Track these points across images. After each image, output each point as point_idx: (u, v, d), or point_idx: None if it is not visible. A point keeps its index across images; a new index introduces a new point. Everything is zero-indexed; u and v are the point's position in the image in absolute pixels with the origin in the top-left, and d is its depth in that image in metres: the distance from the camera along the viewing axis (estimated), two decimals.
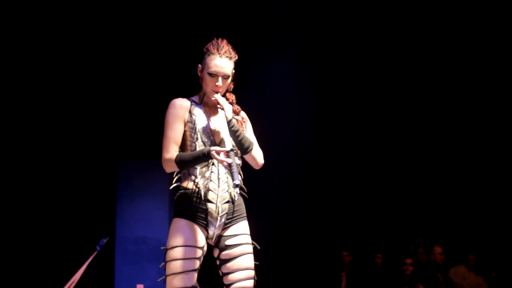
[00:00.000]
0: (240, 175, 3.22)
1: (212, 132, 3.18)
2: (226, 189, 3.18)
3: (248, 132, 3.30)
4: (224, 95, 3.23)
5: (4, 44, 6.35)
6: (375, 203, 8.91)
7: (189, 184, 3.16)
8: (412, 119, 8.72)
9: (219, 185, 3.17)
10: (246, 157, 3.22)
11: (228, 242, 3.17)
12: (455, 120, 8.63)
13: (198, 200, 3.13)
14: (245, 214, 3.27)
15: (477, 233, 8.68)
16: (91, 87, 6.97)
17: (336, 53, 8.07)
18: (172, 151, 3.11)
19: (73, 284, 5.71)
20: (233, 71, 3.23)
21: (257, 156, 3.26)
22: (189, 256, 3.06)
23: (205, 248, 3.15)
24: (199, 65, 3.24)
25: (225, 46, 3.19)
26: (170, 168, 3.13)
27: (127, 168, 6.19)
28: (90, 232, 6.48)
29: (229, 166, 2.97)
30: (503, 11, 7.36)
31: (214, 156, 2.99)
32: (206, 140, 3.16)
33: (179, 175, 3.25)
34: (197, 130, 3.17)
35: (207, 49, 3.20)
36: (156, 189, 5.98)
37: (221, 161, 2.99)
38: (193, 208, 3.12)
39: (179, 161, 3.08)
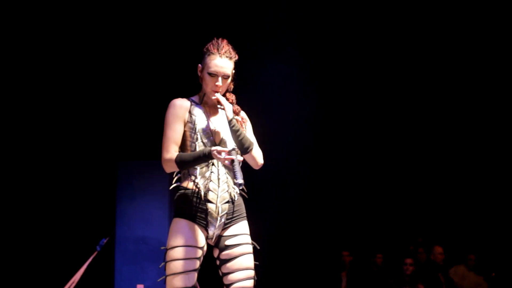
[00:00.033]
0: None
1: (212, 132, 3.18)
2: (226, 189, 3.18)
3: (248, 132, 3.30)
4: (224, 95, 3.22)
5: (4, 44, 6.35)
6: (375, 203, 8.91)
7: (189, 184, 3.16)
8: (412, 119, 8.72)
9: (219, 185, 3.17)
10: (246, 157, 3.22)
11: (228, 242, 3.17)
12: (455, 120, 8.64)
13: (198, 200, 3.13)
14: (245, 214, 3.27)
15: (477, 233, 8.68)
16: (91, 87, 6.97)
17: (336, 53, 8.07)
18: (172, 151, 3.11)
19: (73, 284, 5.71)
20: (233, 71, 3.23)
21: (257, 156, 3.26)
22: (189, 256, 3.06)
23: (205, 248, 3.15)
24: (199, 65, 3.24)
25: (225, 46, 3.19)
26: (170, 168, 3.13)
27: (127, 168, 6.19)
28: (90, 232, 6.47)
29: (231, 165, 2.96)
30: (503, 11, 7.36)
31: (215, 155, 2.98)
32: (206, 140, 3.16)
33: (179, 175, 3.24)
34: (197, 130, 3.17)
35: (207, 49, 3.20)
36: (156, 189, 5.98)
37: (223, 160, 2.98)
38: (193, 208, 3.12)
39: (179, 161, 3.08)
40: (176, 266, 3.05)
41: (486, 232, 8.65)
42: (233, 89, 3.31)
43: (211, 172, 3.16)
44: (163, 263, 3.11)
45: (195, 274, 3.10)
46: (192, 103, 3.24)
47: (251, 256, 3.20)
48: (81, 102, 6.95)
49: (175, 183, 3.24)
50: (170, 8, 6.96)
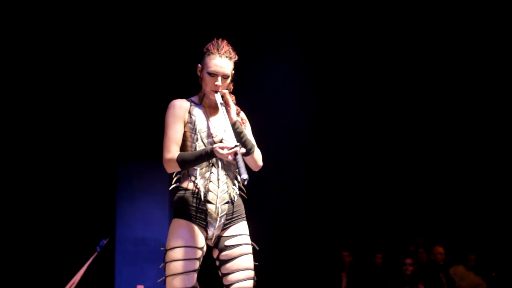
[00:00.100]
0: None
1: (212, 132, 3.18)
2: (226, 190, 3.18)
3: (248, 133, 3.29)
4: (223, 96, 3.22)
5: (4, 44, 6.35)
6: (375, 203, 8.91)
7: (189, 185, 3.16)
8: (411, 119, 8.72)
9: (218, 186, 3.16)
10: (247, 159, 3.20)
11: (227, 243, 3.17)
12: (455, 120, 8.63)
13: (197, 201, 3.13)
14: (244, 215, 3.27)
15: (477, 234, 8.68)
16: (91, 88, 6.98)
17: (336, 53, 8.07)
18: (173, 151, 3.10)
19: (74, 285, 5.71)
20: (233, 71, 3.23)
21: (258, 158, 3.26)
22: (189, 256, 3.06)
23: (205, 248, 3.15)
24: (199, 65, 3.23)
25: (225, 46, 3.19)
26: (172, 168, 3.12)
27: (127, 169, 6.20)
28: (90, 233, 6.48)
29: (235, 160, 2.94)
30: (503, 11, 7.36)
31: (217, 152, 2.97)
32: (206, 140, 3.16)
33: (178, 175, 3.24)
34: (197, 131, 3.16)
35: (207, 49, 3.20)
36: (156, 190, 5.98)
37: (226, 157, 2.96)
38: (193, 208, 3.12)
39: (180, 161, 3.07)
40: (176, 266, 3.05)
41: (487, 232, 8.64)
42: (233, 89, 3.31)
43: (211, 173, 3.16)
44: (162, 264, 3.11)
45: (195, 275, 3.10)
46: (192, 103, 3.23)
47: (251, 257, 3.19)
48: (81, 103, 6.95)
49: (174, 183, 3.23)
50: (170, 8, 6.96)
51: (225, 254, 3.16)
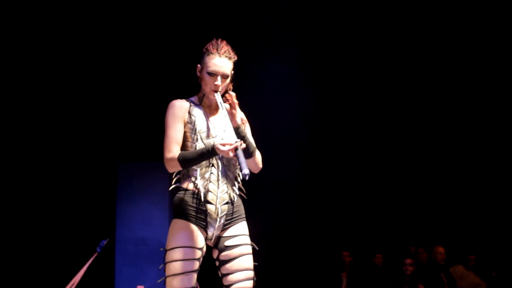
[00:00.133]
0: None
1: (212, 133, 3.18)
2: (226, 190, 3.18)
3: (248, 134, 3.29)
4: (223, 96, 3.22)
5: (4, 44, 6.35)
6: (375, 203, 8.90)
7: (189, 185, 3.16)
8: (411, 118, 8.72)
9: (218, 186, 3.16)
10: (248, 161, 3.17)
11: (227, 243, 3.17)
12: (455, 120, 8.63)
13: (197, 201, 3.13)
14: (244, 215, 3.27)
15: (477, 234, 8.67)
16: (91, 88, 6.97)
17: (336, 53, 8.07)
18: (174, 151, 3.10)
19: (74, 285, 5.71)
20: (232, 71, 3.23)
21: (258, 160, 3.26)
22: (189, 257, 3.06)
23: (205, 249, 3.15)
24: (198, 65, 3.24)
25: (224, 46, 3.19)
26: (173, 167, 3.12)
27: (127, 169, 6.20)
28: (90, 233, 6.48)
29: (235, 156, 2.94)
30: (503, 11, 7.36)
31: (219, 149, 2.97)
32: (206, 141, 3.16)
33: (178, 176, 3.24)
34: (197, 131, 3.16)
35: (207, 49, 3.20)
36: (156, 190, 5.98)
37: (227, 153, 2.95)
38: (193, 209, 3.12)
39: (182, 160, 3.07)
40: (176, 267, 3.05)
41: (487, 233, 8.64)
42: (233, 89, 3.30)
43: (211, 173, 3.16)
44: (162, 264, 3.11)
45: (195, 275, 3.10)
46: (191, 103, 3.23)
47: (251, 257, 3.19)
48: (81, 103, 6.95)
49: (174, 184, 3.23)
50: (170, 9, 6.96)
51: (225, 254, 3.16)
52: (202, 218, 3.13)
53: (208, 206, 3.14)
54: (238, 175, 3.25)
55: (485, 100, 8.38)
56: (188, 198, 3.13)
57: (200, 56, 3.23)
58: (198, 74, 3.24)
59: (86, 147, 6.97)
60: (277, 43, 7.56)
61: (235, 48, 3.25)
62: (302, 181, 8.38)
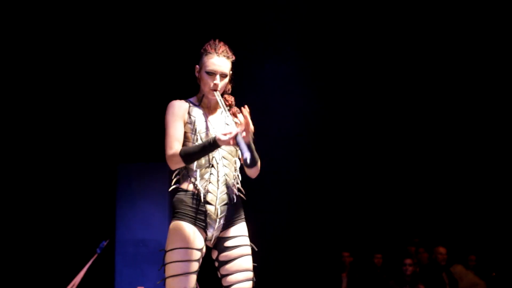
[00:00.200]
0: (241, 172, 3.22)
1: (211, 133, 3.17)
2: (225, 191, 3.17)
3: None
4: (222, 96, 3.22)
5: (4, 44, 6.35)
6: (375, 203, 8.90)
7: (189, 186, 3.15)
8: (411, 118, 8.71)
9: (218, 187, 3.15)
10: (249, 170, 3.22)
11: (227, 244, 3.16)
12: (455, 120, 8.62)
13: (197, 202, 3.12)
14: (243, 216, 3.26)
15: (478, 234, 8.66)
16: (91, 90, 6.97)
17: (335, 53, 8.06)
18: (175, 147, 3.09)
19: (74, 287, 5.70)
20: (231, 72, 3.22)
21: (258, 168, 3.26)
22: (188, 258, 3.05)
23: (204, 250, 3.14)
24: (197, 66, 3.23)
25: (222, 46, 3.20)
26: (175, 163, 3.10)
27: (126, 171, 6.20)
28: (90, 234, 6.47)
29: (236, 144, 2.94)
30: (503, 11, 7.35)
31: (220, 140, 2.95)
32: (206, 140, 3.15)
33: (178, 177, 3.23)
34: (196, 131, 3.16)
35: (205, 49, 3.20)
36: (155, 191, 5.99)
37: (228, 142, 2.94)
38: (192, 210, 3.11)
39: (184, 155, 3.06)
40: (175, 268, 3.04)
41: (487, 233, 8.63)
42: (232, 88, 3.30)
43: (210, 174, 3.15)
44: (162, 265, 3.10)
45: (195, 276, 3.09)
46: (191, 104, 3.23)
47: (250, 258, 3.19)
48: (81, 104, 6.94)
49: (174, 185, 3.23)
50: (170, 10, 6.95)
51: (225, 255, 3.16)
52: (201, 219, 3.12)
53: (208, 207, 3.13)
54: (238, 176, 3.24)
55: (485, 100, 8.37)
56: (188, 199, 3.12)
57: (198, 57, 3.22)
58: (197, 74, 3.24)
59: (86, 149, 6.97)
60: (277, 43, 7.56)
61: (235, 48, 3.25)
62: (302, 181, 8.37)
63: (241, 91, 3.44)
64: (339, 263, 8.18)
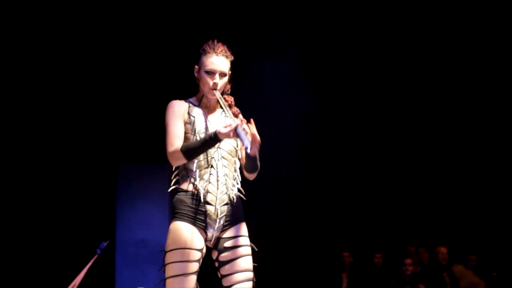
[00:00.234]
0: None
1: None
2: (225, 191, 3.17)
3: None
4: (221, 96, 3.22)
5: (4, 45, 6.34)
6: (375, 203, 8.89)
7: (188, 187, 3.15)
8: (411, 118, 8.70)
9: (218, 187, 3.15)
10: (249, 175, 3.25)
11: (227, 244, 3.16)
12: (455, 121, 8.61)
13: (197, 202, 3.12)
14: (243, 216, 3.26)
15: (478, 234, 8.65)
16: (91, 90, 6.97)
17: (335, 53, 8.06)
18: (176, 145, 3.08)
19: None
20: (230, 72, 3.23)
21: (257, 173, 3.27)
22: (188, 258, 3.05)
23: (204, 250, 3.14)
24: (196, 66, 3.24)
25: (220, 46, 3.21)
26: (177, 159, 3.08)
27: (126, 171, 6.20)
28: (90, 235, 6.46)
29: (237, 135, 2.93)
30: (503, 11, 7.34)
31: (221, 133, 2.95)
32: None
33: (177, 177, 3.23)
34: (196, 132, 3.16)
35: (203, 50, 3.21)
36: (155, 192, 5.99)
37: (229, 134, 2.94)
38: (192, 210, 3.11)
39: (185, 150, 3.05)
40: (175, 268, 3.04)
41: (488, 233, 8.62)
42: (232, 88, 3.31)
43: (210, 174, 3.14)
44: (162, 266, 3.10)
45: (195, 277, 3.09)
46: (190, 104, 3.23)
47: (250, 258, 3.18)
48: (81, 105, 6.94)
49: (173, 185, 3.22)
50: (170, 11, 6.95)
51: (225, 255, 3.15)
52: (201, 219, 3.12)
53: (208, 207, 3.13)
54: (238, 176, 3.24)
55: (485, 100, 8.36)
56: (188, 199, 3.12)
57: (198, 57, 3.22)
58: (196, 75, 3.25)
59: (86, 150, 6.97)
60: (277, 43, 7.56)
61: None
62: (302, 181, 8.36)
63: (241, 91, 3.44)
64: (339, 263, 8.18)
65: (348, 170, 8.83)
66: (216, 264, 3.19)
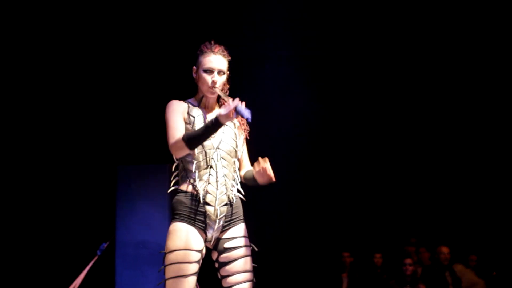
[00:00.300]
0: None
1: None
2: (224, 191, 3.17)
3: (241, 140, 3.29)
4: (218, 101, 3.24)
5: (4, 45, 6.34)
6: (375, 203, 8.88)
7: (188, 187, 3.15)
8: (411, 118, 8.70)
9: (217, 188, 3.15)
10: (245, 182, 3.30)
11: (226, 245, 3.16)
12: (455, 121, 8.61)
13: (196, 203, 3.12)
14: (243, 217, 3.26)
15: (478, 233, 8.65)
16: (91, 91, 6.97)
17: (335, 53, 8.05)
18: (178, 137, 3.07)
19: None
20: (228, 72, 3.23)
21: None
22: (188, 259, 3.04)
23: (204, 251, 3.14)
24: (194, 67, 3.25)
25: (218, 46, 3.23)
26: (179, 149, 3.06)
27: (126, 172, 6.19)
28: (90, 236, 6.46)
29: (237, 112, 2.93)
30: (503, 11, 7.34)
31: (222, 115, 2.94)
32: (206, 142, 3.14)
33: (177, 178, 3.23)
34: None
35: (201, 50, 3.24)
36: (155, 192, 5.97)
37: (229, 115, 2.93)
38: (192, 211, 3.11)
39: (187, 139, 3.03)
40: (175, 269, 3.03)
41: (488, 233, 8.61)
42: (232, 88, 3.31)
43: (209, 175, 3.14)
44: (162, 267, 3.09)
45: (195, 278, 3.09)
46: (190, 104, 3.24)
47: (250, 259, 3.19)
48: (81, 106, 6.94)
49: (173, 186, 3.22)
50: (169, 12, 6.95)
51: (224, 256, 3.15)
52: (201, 220, 3.12)
53: (207, 207, 3.12)
54: (237, 176, 3.25)
55: (485, 100, 8.35)
56: (187, 200, 3.12)
57: (196, 59, 3.23)
58: (194, 75, 3.26)
59: (85, 150, 6.96)
60: (277, 43, 7.55)
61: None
62: (302, 181, 8.36)
63: (241, 91, 3.44)
64: (339, 263, 8.18)
65: (348, 170, 8.83)
66: (216, 265, 3.20)
